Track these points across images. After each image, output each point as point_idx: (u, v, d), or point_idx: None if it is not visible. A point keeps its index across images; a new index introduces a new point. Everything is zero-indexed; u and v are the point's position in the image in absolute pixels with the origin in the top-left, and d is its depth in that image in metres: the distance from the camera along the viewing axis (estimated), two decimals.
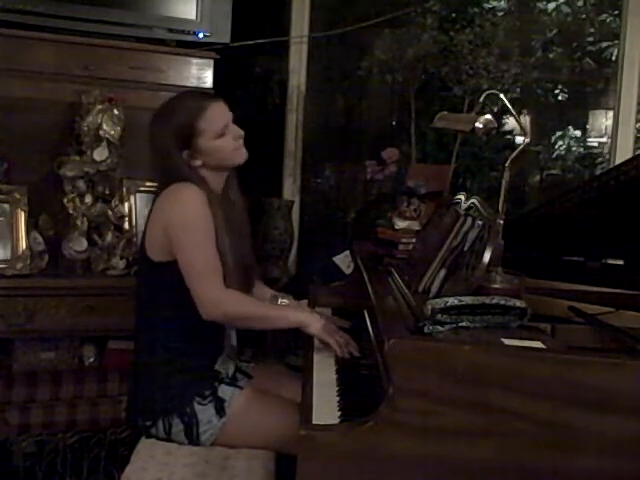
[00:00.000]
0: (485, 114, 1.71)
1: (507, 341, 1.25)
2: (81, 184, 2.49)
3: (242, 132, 1.80)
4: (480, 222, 1.52)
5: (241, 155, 1.81)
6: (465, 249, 1.53)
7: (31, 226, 2.45)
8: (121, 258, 2.52)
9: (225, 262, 1.73)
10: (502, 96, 1.80)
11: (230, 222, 1.79)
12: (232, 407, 1.73)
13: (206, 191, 1.73)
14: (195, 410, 1.70)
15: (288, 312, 1.80)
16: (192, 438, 1.71)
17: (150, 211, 1.80)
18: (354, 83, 3.59)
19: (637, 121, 3.29)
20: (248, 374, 1.92)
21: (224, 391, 1.74)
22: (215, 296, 1.68)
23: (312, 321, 1.74)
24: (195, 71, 2.74)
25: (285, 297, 2.05)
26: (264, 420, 1.74)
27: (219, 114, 1.76)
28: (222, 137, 1.75)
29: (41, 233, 2.47)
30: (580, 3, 3.86)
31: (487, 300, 1.34)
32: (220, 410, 1.71)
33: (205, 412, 1.71)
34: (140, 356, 1.81)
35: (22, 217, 2.42)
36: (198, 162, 1.75)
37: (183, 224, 1.70)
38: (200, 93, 1.78)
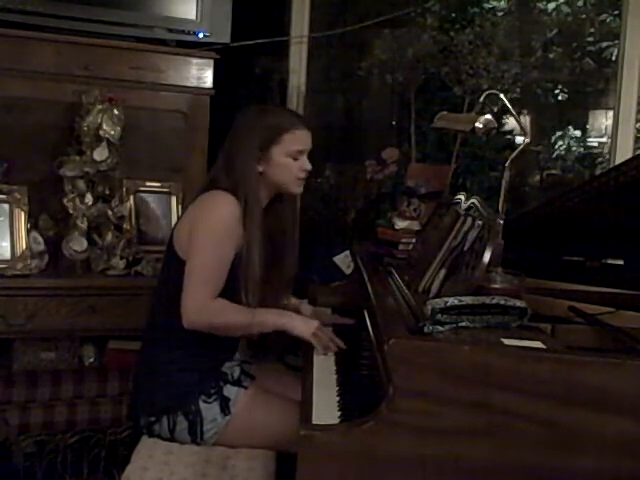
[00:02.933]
0: (485, 114, 1.72)
1: (507, 341, 1.25)
2: (81, 184, 2.49)
3: (310, 167, 1.85)
4: (480, 222, 1.52)
5: (297, 187, 1.86)
6: (465, 249, 1.53)
7: (31, 226, 2.45)
8: (121, 258, 2.52)
9: (251, 274, 1.74)
10: (502, 96, 1.80)
11: (268, 237, 1.82)
12: (237, 406, 1.73)
13: (253, 199, 1.76)
14: (200, 408, 1.71)
15: (271, 317, 1.80)
16: (195, 436, 1.71)
17: (185, 209, 1.85)
18: (354, 83, 3.59)
19: (637, 121, 3.28)
20: (250, 374, 1.92)
21: (229, 391, 1.75)
22: (199, 305, 1.69)
23: (295, 324, 1.76)
24: (195, 71, 2.74)
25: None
26: (267, 419, 1.75)
27: (304, 139, 1.84)
28: (293, 160, 1.81)
29: (41, 233, 2.47)
30: (580, 3, 3.86)
31: (487, 300, 1.34)
32: (225, 408, 1.72)
33: (210, 410, 1.71)
34: (149, 352, 1.82)
35: (22, 217, 2.42)
36: (260, 168, 1.80)
37: (203, 227, 1.72)
38: (299, 115, 1.89)
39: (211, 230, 1.72)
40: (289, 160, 1.81)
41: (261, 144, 1.79)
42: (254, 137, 1.79)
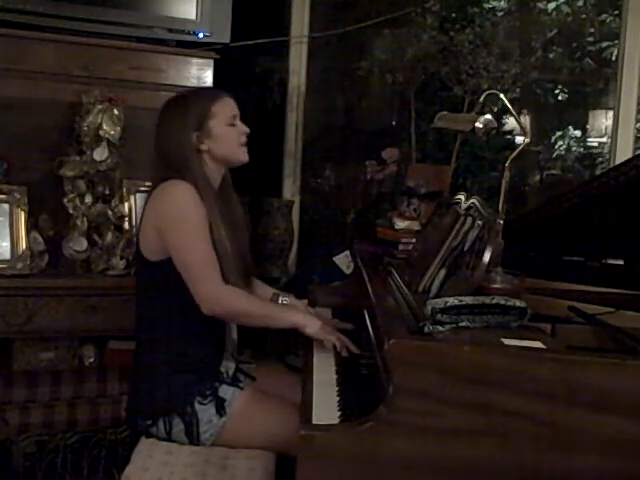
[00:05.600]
0: (485, 114, 1.72)
1: (507, 341, 1.25)
2: (81, 184, 2.49)
3: (248, 130, 1.86)
4: (480, 222, 1.52)
5: (244, 154, 1.86)
6: (465, 249, 1.53)
7: (31, 226, 2.45)
8: (121, 258, 2.52)
9: (223, 255, 1.74)
10: (502, 96, 1.81)
11: (226, 216, 1.81)
12: (232, 407, 1.73)
13: (203, 182, 1.75)
14: (196, 410, 1.70)
15: (286, 313, 1.81)
16: (192, 438, 1.71)
17: (143, 210, 1.82)
18: (354, 83, 3.59)
19: (637, 121, 3.29)
20: (250, 375, 1.92)
21: (225, 391, 1.75)
22: (213, 291, 1.69)
23: (309, 323, 1.75)
24: (195, 71, 2.74)
25: (286, 296, 2.06)
26: (264, 420, 1.74)
27: (231, 104, 1.85)
28: (232, 126, 1.82)
29: (41, 233, 2.47)
30: (580, 3, 3.86)
31: (487, 300, 1.34)
32: (220, 410, 1.71)
33: (206, 412, 1.71)
34: (141, 356, 1.81)
35: (22, 217, 2.42)
36: (205, 146, 1.79)
37: (174, 222, 1.71)
38: (214, 88, 1.85)
39: (186, 223, 1.71)
40: (229, 128, 1.82)
41: (195, 124, 1.78)
42: (183, 122, 1.78)
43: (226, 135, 1.81)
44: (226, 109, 1.82)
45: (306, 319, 1.76)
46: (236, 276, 1.77)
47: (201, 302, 1.68)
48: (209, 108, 1.80)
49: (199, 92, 1.86)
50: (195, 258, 1.70)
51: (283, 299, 2.04)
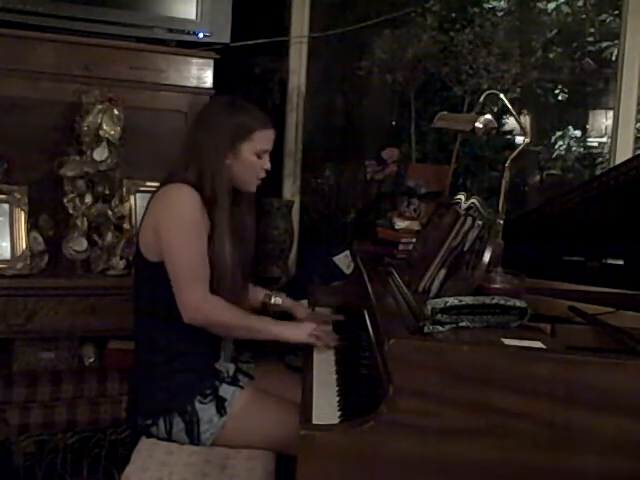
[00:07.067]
0: (485, 114, 1.72)
1: (507, 341, 1.25)
2: (81, 184, 2.49)
3: (269, 167, 1.85)
4: (480, 222, 1.52)
5: (254, 186, 1.86)
6: (465, 249, 1.53)
7: (31, 226, 2.45)
8: (121, 258, 2.52)
9: (222, 265, 1.74)
10: (502, 96, 1.81)
11: (234, 226, 1.81)
12: (233, 406, 1.73)
13: (223, 190, 1.76)
14: (196, 409, 1.70)
15: (268, 325, 1.80)
16: (193, 437, 1.71)
17: (145, 210, 1.82)
18: (354, 83, 3.60)
19: (637, 121, 3.29)
20: (249, 374, 1.92)
21: (225, 390, 1.75)
22: (197, 301, 1.70)
23: (291, 332, 1.76)
24: (195, 71, 2.74)
25: (278, 295, 2.06)
26: (265, 420, 1.75)
27: (270, 139, 1.84)
28: (258, 159, 1.81)
29: (41, 233, 2.47)
30: (580, 3, 3.87)
31: (487, 300, 1.34)
32: (221, 409, 1.71)
33: (206, 411, 1.71)
34: (140, 355, 1.81)
35: (22, 217, 2.42)
36: (228, 161, 1.79)
37: (171, 225, 1.72)
38: (267, 114, 1.86)
39: (182, 227, 1.71)
40: (255, 158, 1.81)
41: (233, 139, 1.77)
42: (226, 131, 1.77)
43: (249, 163, 1.80)
44: (264, 141, 1.81)
45: (288, 330, 1.78)
46: (229, 288, 1.77)
47: (183, 310, 1.69)
48: (252, 131, 1.78)
49: (256, 111, 1.83)
50: (184, 264, 1.70)
51: (276, 299, 2.04)
